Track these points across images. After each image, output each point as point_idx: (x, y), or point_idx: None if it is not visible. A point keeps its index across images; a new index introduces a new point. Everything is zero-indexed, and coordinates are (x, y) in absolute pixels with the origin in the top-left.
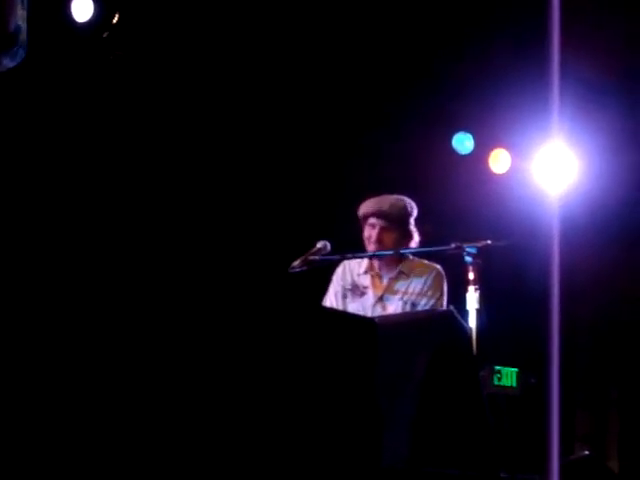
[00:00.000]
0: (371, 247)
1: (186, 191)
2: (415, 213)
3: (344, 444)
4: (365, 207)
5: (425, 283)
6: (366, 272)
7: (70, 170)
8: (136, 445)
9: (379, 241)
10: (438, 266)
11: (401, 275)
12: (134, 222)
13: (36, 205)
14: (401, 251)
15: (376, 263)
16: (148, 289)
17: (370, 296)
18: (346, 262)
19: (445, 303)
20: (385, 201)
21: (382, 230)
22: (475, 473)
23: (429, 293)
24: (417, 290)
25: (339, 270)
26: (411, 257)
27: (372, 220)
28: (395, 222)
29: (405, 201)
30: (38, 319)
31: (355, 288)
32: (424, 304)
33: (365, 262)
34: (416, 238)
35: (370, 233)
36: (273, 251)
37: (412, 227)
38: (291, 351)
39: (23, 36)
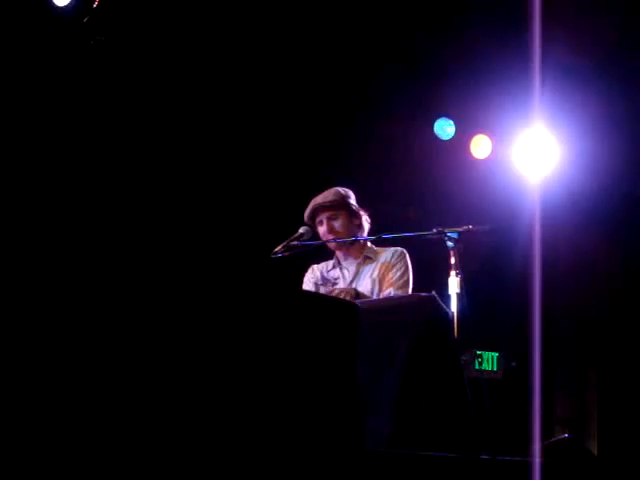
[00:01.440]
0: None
1: (169, 178)
2: (352, 195)
3: (327, 428)
4: (305, 213)
5: (390, 260)
6: (334, 267)
7: (51, 156)
8: (122, 418)
9: (332, 230)
10: (401, 248)
11: (367, 259)
12: (113, 208)
13: (17, 191)
14: (383, 237)
15: (341, 256)
16: (131, 274)
17: (341, 284)
18: (313, 265)
19: (411, 277)
20: (318, 197)
21: (329, 220)
22: (457, 455)
23: (394, 269)
24: (383, 269)
25: (308, 273)
26: (374, 246)
27: (318, 218)
28: (337, 208)
29: (336, 188)
30: (38, 319)
31: (326, 281)
32: (389, 280)
33: (331, 261)
34: (365, 216)
35: (323, 229)
36: (256, 236)
37: (356, 207)
38: (273, 335)
39: None
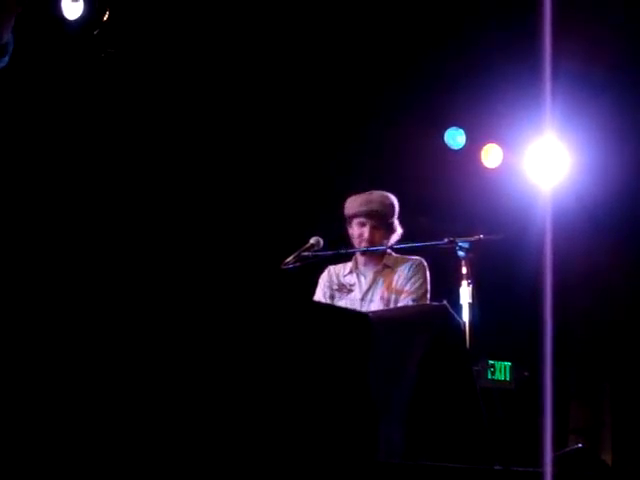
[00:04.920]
0: (362, 245)
1: (179, 188)
2: (396, 206)
3: (339, 439)
4: (354, 207)
5: (408, 272)
6: (351, 272)
7: (61, 168)
8: (126, 431)
9: (371, 240)
10: (420, 258)
11: (386, 268)
12: (125, 218)
13: (24, 204)
14: (394, 246)
15: (361, 261)
16: (142, 283)
17: (357, 292)
18: (331, 267)
19: (429, 289)
20: (374, 201)
21: (373, 229)
22: (470, 466)
23: (412, 280)
24: (401, 280)
25: (324, 274)
26: (394, 253)
27: (362, 219)
28: (384, 220)
29: (391, 198)
30: (38, 319)
31: (342, 287)
32: (407, 291)
33: (349, 264)
34: (399, 231)
35: (361, 231)
36: (266, 247)
37: (396, 221)
38: (285, 346)
39: (10, 47)
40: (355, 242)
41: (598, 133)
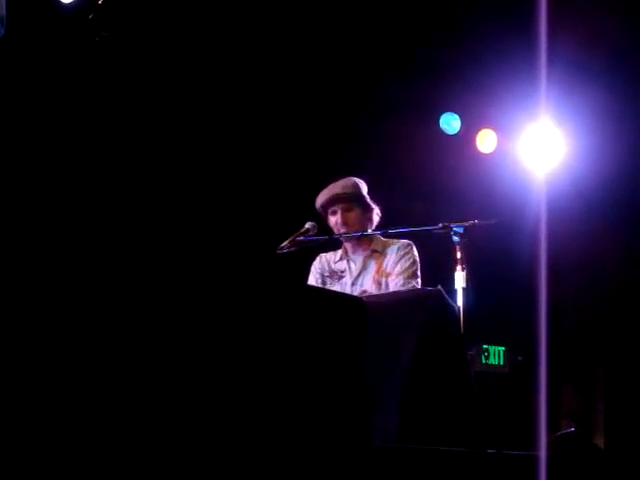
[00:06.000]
0: (342, 231)
1: (173, 174)
2: (366, 187)
3: (334, 423)
4: (320, 199)
5: (397, 253)
6: (341, 259)
7: (53, 155)
8: (123, 421)
9: (346, 223)
10: (408, 240)
11: (374, 253)
12: (113, 203)
13: (16, 188)
14: (389, 231)
15: (350, 248)
16: (134, 272)
17: (347, 278)
18: (322, 254)
19: (419, 269)
20: (337, 186)
21: (344, 211)
22: (463, 449)
23: (401, 261)
24: (390, 262)
25: (315, 262)
26: (382, 237)
27: (332, 208)
28: (353, 200)
29: (353, 179)
30: (38, 319)
31: (333, 274)
32: (397, 272)
33: (339, 251)
34: (376, 210)
35: (335, 218)
36: (261, 232)
37: (369, 200)
38: (279, 331)
39: (2, 12)
40: (336, 231)
41: (593, 118)
